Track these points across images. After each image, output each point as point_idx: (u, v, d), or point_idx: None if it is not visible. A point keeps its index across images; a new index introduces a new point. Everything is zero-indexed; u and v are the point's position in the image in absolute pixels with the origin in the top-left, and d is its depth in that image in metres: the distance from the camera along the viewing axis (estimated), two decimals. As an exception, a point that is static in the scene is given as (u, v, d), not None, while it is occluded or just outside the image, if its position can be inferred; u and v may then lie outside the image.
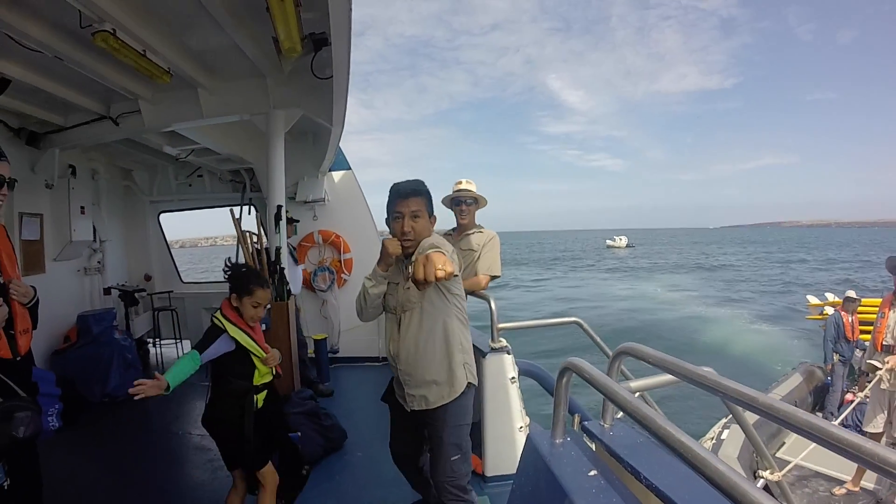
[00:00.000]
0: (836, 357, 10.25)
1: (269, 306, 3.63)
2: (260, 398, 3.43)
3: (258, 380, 3.39)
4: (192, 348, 3.24)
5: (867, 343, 10.69)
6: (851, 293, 10.74)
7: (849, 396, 10.01)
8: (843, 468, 7.09)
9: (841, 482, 6.97)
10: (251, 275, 3.40)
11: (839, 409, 9.72)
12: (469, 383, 3.02)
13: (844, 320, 10.36)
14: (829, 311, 11.79)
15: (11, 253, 2.75)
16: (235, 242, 7.31)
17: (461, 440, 3.03)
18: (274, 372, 3.49)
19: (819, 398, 10.31)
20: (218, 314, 3.34)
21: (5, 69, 4.57)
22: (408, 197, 2.92)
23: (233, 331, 3.26)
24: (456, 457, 2.97)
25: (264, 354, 3.35)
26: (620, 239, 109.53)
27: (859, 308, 11.03)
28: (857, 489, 6.77)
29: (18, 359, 2.65)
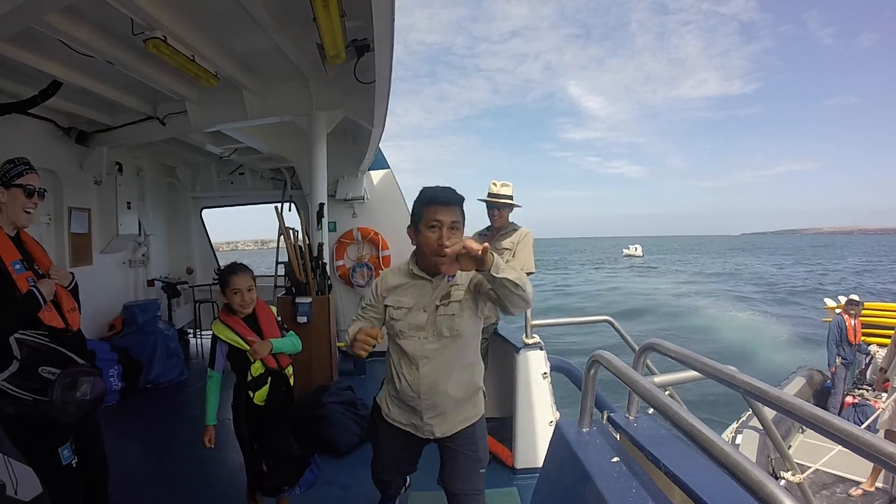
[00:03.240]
0: (838, 360, 10.15)
1: (305, 300, 3.57)
2: (259, 395, 3.27)
3: (255, 372, 3.24)
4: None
5: (871, 346, 10.53)
6: (854, 297, 10.61)
7: (849, 399, 10.00)
8: (858, 470, 7.05)
9: (857, 483, 6.94)
10: (227, 268, 3.33)
11: (840, 411, 9.65)
12: (483, 393, 2.90)
13: (847, 324, 10.22)
14: (831, 302, 11.68)
15: (43, 251, 2.90)
16: (276, 240, 7.51)
17: (486, 454, 2.89)
18: (264, 365, 3.26)
19: (820, 401, 10.15)
20: (213, 322, 3.32)
21: (57, 72, 4.79)
22: (447, 205, 2.51)
23: (217, 329, 3.24)
24: (483, 470, 2.87)
25: (247, 347, 3.19)
26: (636, 248, 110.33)
27: (863, 311, 10.99)
28: (872, 489, 6.74)
29: (70, 334, 2.79)
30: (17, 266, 2.59)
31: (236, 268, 3.31)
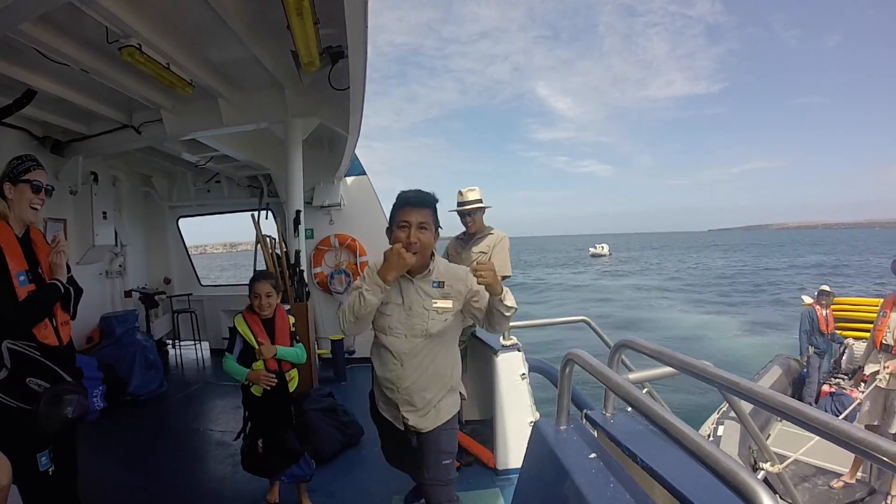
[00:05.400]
0: (811, 350, 10.30)
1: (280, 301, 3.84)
2: (257, 388, 3.62)
3: (255, 368, 3.60)
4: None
5: (846, 338, 10.64)
6: (825, 287, 10.74)
7: (825, 388, 10.09)
8: (838, 461, 7.12)
9: (838, 475, 7.00)
10: (254, 275, 3.76)
11: (816, 400, 9.79)
12: (460, 395, 3.06)
13: (818, 314, 10.38)
14: (808, 299, 11.85)
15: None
16: (254, 245, 7.51)
17: (452, 446, 2.99)
18: (265, 365, 3.61)
19: (797, 389, 10.31)
20: (236, 316, 3.72)
21: (32, 81, 4.78)
22: (416, 207, 2.70)
23: (238, 322, 3.66)
24: (447, 461, 2.94)
25: (256, 345, 3.58)
26: (602, 247, 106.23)
27: (835, 305, 11.09)
28: (853, 481, 6.81)
29: (62, 349, 2.83)
30: (22, 278, 2.62)
31: (259, 276, 3.75)
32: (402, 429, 2.96)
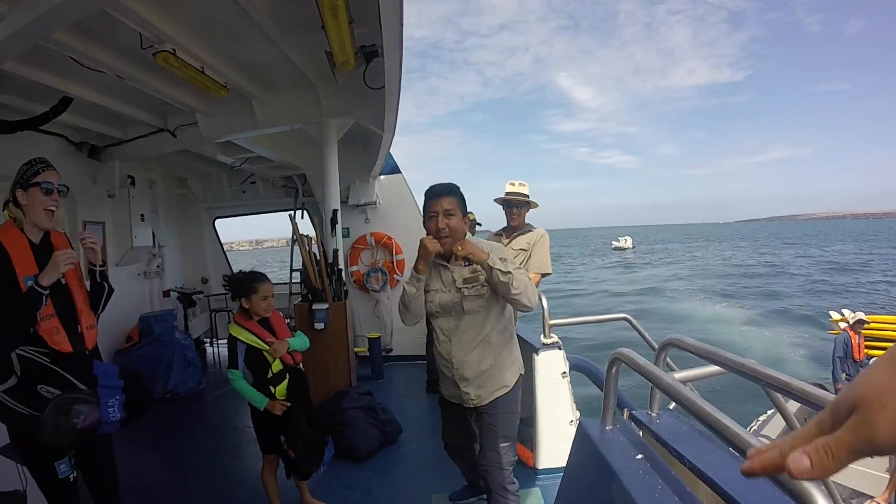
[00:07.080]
0: (843, 376, 10.17)
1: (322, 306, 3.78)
2: (279, 390, 3.57)
3: (275, 369, 3.57)
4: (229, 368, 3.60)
5: (872, 360, 10.44)
6: (862, 315, 10.61)
7: None
8: (871, 485, 7.01)
9: (870, 496, 6.90)
10: (249, 276, 3.65)
11: None
12: (519, 375, 3.21)
13: (853, 341, 10.26)
14: (835, 315, 11.56)
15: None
16: (290, 245, 7.57)
17: (510, 430, 3.16)
18: (282, 362, 3.59)
19: None
20: (230, 325, 3.65)
21: (67, 88, 4.83)
22: (441, 196, 3.00)
23: (235, 331, 3.56)
24: (505, 444, 3.11)
25: (266, 347, 3.51)
26: (625, 240, 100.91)
27: (867, 326, 10.89)
28: None
29: (87, 352, 2.80)
30: (30, 283, 2.53)
31: (261, 276, 3.67)
32: (468, 408, 3.20)
